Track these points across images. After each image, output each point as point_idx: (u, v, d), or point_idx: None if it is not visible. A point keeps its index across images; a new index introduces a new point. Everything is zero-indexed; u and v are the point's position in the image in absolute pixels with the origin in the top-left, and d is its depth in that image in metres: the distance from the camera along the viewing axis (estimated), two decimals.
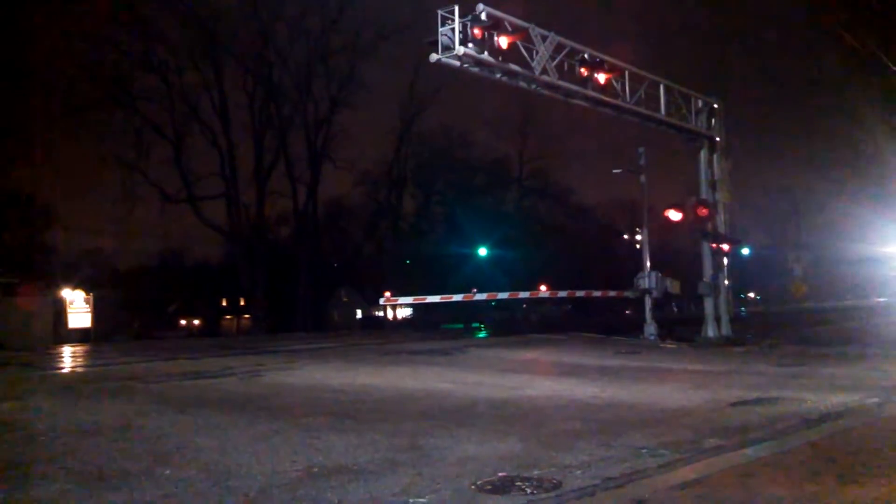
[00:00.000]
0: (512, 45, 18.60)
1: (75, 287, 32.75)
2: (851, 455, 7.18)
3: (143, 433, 8.55)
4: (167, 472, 6.70)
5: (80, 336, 29.27)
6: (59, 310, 29.14)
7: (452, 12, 17.31)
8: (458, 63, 18.14)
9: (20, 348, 22.93)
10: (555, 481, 6.33)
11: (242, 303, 69.06)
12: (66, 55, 43.42)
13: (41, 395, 11.71)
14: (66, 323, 29.33)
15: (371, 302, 69.54)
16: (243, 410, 10.06)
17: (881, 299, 63.46)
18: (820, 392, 11.64)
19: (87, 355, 21.24)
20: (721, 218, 26.37)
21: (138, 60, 45.85)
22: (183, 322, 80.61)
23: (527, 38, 18.99)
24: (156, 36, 46.07)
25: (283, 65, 49.71)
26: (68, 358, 20.35)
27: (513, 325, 46.71)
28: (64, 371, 17.24)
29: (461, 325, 46.59)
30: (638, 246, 30.25)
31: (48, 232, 58.01)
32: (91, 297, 30.85)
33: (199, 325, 79.06)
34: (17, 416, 9.77)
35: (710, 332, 25.94)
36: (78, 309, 30.04)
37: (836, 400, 10.71)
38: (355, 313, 78.93)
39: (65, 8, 42.74)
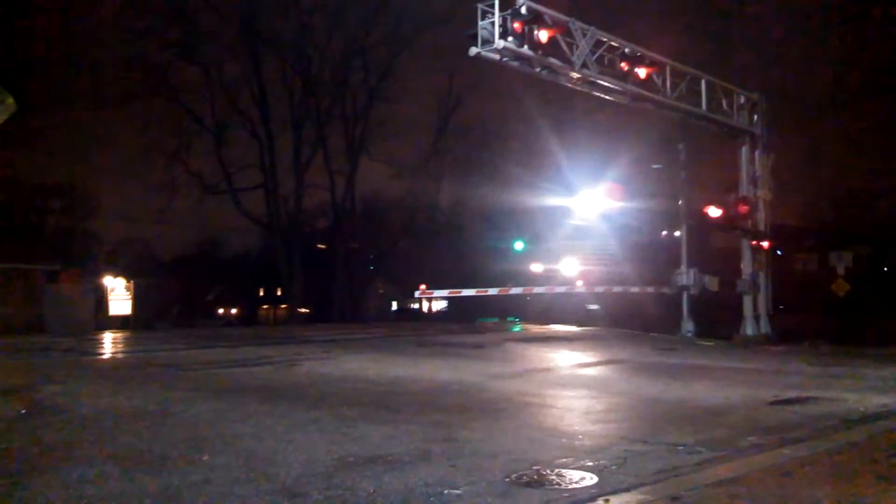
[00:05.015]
0: (551, 40, 18.46)
1: (116, 274, 33.30)
2: (893, 456, 7.07)
3: (181, 419, 8.67)
4: (204, 457, 6.79)
5: (120, 323, 29.80)
6: (101, 296, 29.66)
7: (492, 6, 17.22)
8: (497, 57, 18.03)
9: (62, 334, 23.31)
10: (590, 476, 6.31)
11: (279, 293, 69.53)
12: (108, 46, 43.96)
13: (82, 380, 11.91)
14: (107, 309, 29.87)
15: (407, 294, 69.55)
16: (280, 399, 10.15)
17: None
18: (860, 392, 11.48)
19: (127, 342, 21.57)
20: (761, 215, 26.01)
21: (180, 52, 46.33)
22: (221, 311, 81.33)
23: (567, 32, 18.85)
24: (197, 28, 46.50)
25: (321, 57, 49.94)
26: (109, 344, 20.68)
27: (549, 320, 46.45)
28: (104, 357, 17.53)
29: (496, 319, 46.42)
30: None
31: (90, 220, 58.93)
32: (132, 284, 31.38)
33: (236, 314, 79.75)
34: (59, 399, 9.94)
35: (749, 329, 25.60)
36: (119, 296, 30.58)
37: (876, 401, 10.55)
38: (391, 305, 79.07)
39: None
